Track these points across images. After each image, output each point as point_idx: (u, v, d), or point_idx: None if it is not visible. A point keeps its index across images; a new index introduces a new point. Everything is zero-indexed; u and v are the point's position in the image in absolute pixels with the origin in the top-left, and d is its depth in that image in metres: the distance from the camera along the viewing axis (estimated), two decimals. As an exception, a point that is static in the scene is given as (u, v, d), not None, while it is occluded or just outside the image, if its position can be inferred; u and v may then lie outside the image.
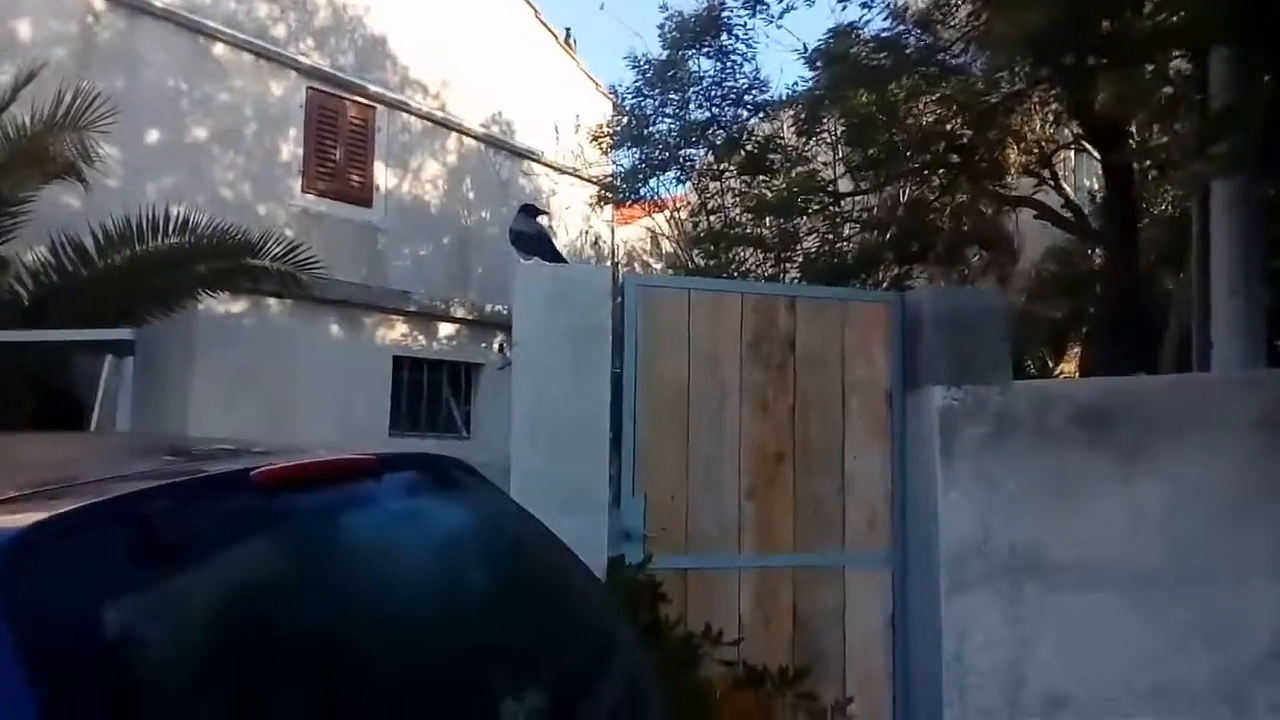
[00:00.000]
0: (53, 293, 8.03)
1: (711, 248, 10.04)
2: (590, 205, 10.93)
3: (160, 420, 8.84)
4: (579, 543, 4.19)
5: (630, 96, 10.50)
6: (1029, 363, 13.15)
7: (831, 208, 9.75)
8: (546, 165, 13.63)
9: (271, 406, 9.24)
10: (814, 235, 9.78)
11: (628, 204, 10.64)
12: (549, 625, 2.61)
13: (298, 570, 1.97)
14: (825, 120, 9.66)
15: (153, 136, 10.51)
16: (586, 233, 13.90)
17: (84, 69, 9.97)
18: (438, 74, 13.15)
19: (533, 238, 4.72)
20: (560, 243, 14.53)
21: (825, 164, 10.20)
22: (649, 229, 11.84)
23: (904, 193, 11.03)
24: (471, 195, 13.60)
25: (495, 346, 9.53)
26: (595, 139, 10.56)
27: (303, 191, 11.71)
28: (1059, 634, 4.83)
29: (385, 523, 2.29)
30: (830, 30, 8.47)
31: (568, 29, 14.91)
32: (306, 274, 9.00)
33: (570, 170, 12.92)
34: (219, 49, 11.05)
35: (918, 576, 4.95)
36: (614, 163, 10.83)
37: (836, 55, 8.14)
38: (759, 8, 9.12)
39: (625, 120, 10.36)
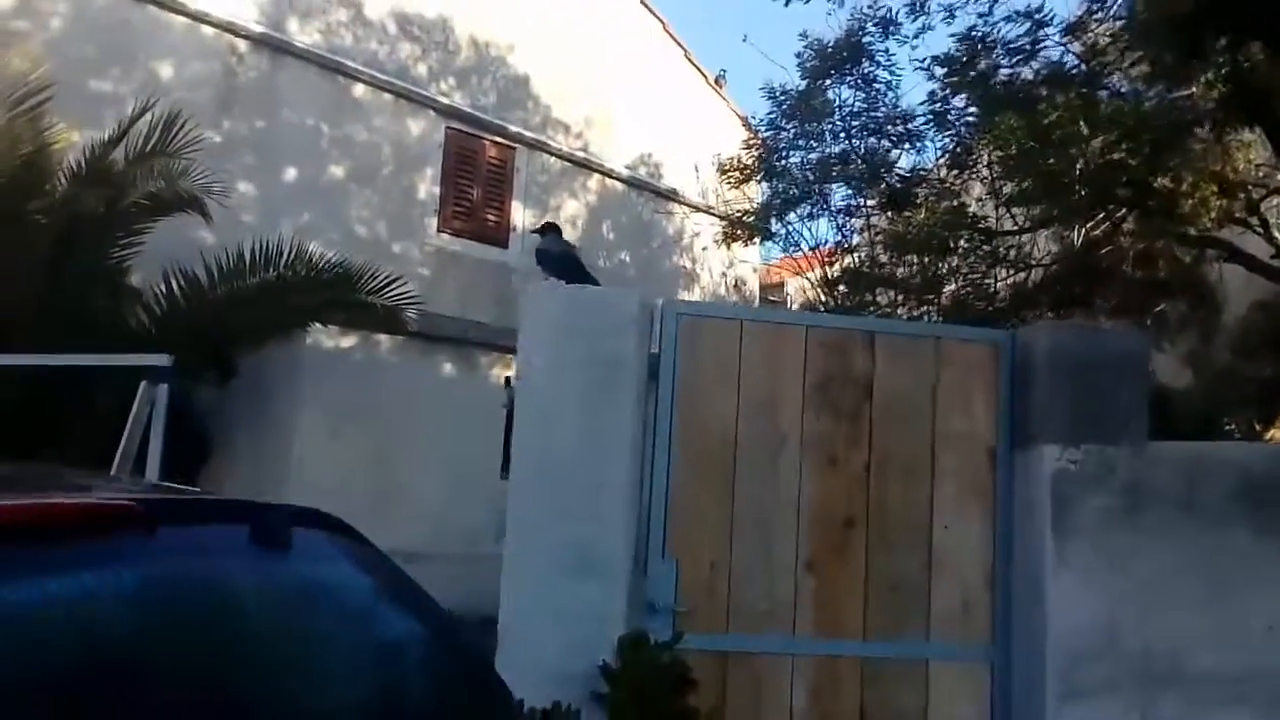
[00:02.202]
0: (166, 321, 8.05)
1: (846, 289, 9.24)
2: (716, 242, 10.32)
3: (265, 452, 8.75)
4: (587, 615, 3.57)
5: (765, 129, 9.88)
6: (1231, 426, 11.61)
7: (984, 246, 8.76)
8: (688, 205, 13.11)
9: (379, 444, 9.01)
10: (960, 276, 8.81)
11: (754, 240, 9.97)
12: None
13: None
14: (976, 151, 8.74)
15: (290, 175, 10.63)
16: (726, 274, 13.27)
17: (225, 110, 10.23)
18: (580, 114, 12.92)
19: (558, 257, 4.14)
20: (701, 285, 14.07)
21: (980, 199, 9.22)
22: (820, 278, 11.02)
23: (1080, 233, 9.87)
24: (611, 236, 13.24)
25: (502, 381, 8.98)
26: (724, 173, 9.97)
27: (438, 231, 11.62)
28: (1208, 765, 3.79)
29: (140, 594, 1.72)
30: (958, 35, 7.59)
31: (722, 70, 14.46)
32: (415, 309, 8.77)
33: (706, 209, 12.35)
34: (359, 89, 11.13)
35: (1025, 676, 4.01)
36: (751, 199, 10.19)
37: (963, 62, 7.25)
38: (890, 29, 8.33)
39: (757, 153, 9.72)
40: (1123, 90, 7.76)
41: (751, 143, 9.93)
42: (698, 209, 12.96)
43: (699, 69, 14.21)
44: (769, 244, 10.85)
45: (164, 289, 8.10)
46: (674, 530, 3.92)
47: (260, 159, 10.38)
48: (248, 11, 10.30)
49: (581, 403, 3.72)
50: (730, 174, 9.82)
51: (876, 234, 9.50)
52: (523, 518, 3.67)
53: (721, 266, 12.61)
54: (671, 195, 13.57)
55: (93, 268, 7.45)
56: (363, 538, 2.20)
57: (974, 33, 7.84)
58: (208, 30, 10.09)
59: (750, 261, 13.40)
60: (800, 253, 10.30)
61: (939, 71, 8.32)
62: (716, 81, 14.33)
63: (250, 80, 10.42)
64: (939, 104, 8.56)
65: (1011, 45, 7.72)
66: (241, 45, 10.33)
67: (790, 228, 9.94)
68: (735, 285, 12.78)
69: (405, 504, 8.67)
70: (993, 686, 4.07)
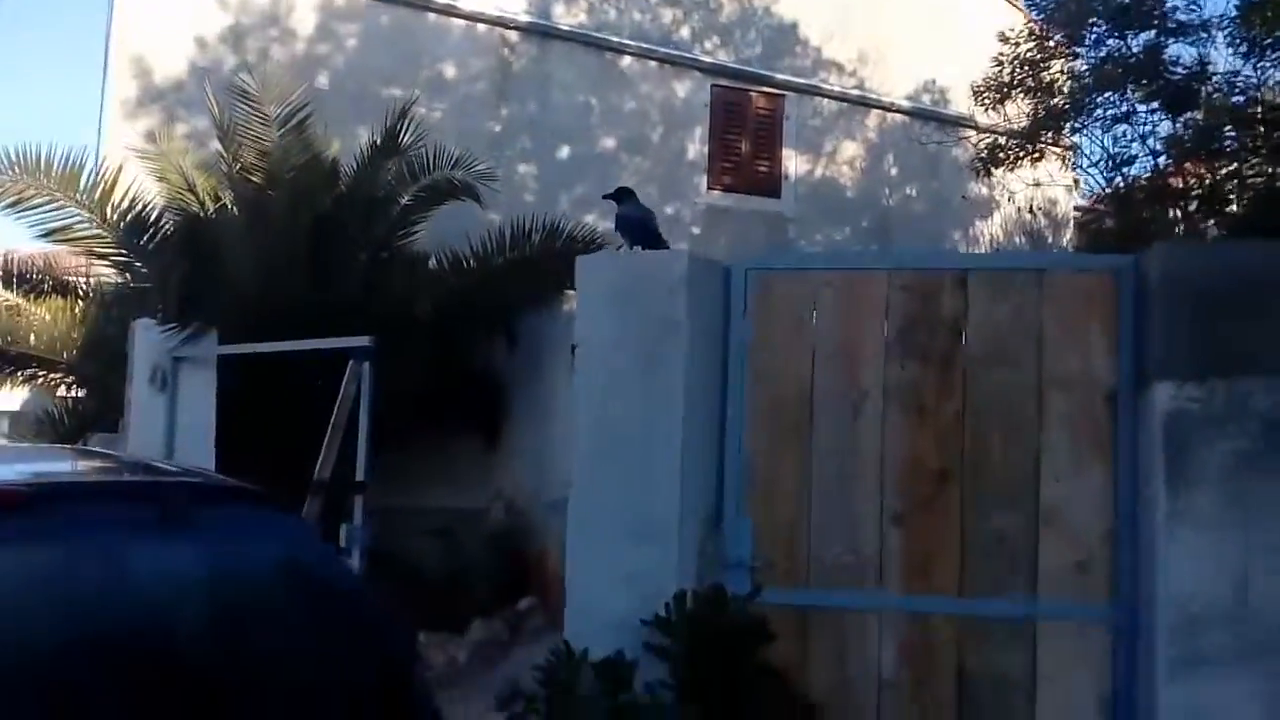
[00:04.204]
0: (442, 294, 8.92)
1: (1118, 208, 8.26)
2: (975, 170, 9.59)
3: (540, 413, 9.47)
4: (644, 572, 3.72)
5: (1025, 40, 9.04)
6: None
7: (1280, 147, 7.49)
8: (978, 129, 12.24)
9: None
10: (1249, 184, 7.56)
11: (1020, 162, 9.14)
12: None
13: None
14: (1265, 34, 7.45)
15: (564, 152, 11.32)
16: (1032, 202, 12.25)
17: (502, 99, 11.10)
18: (854, 51, 12.53)
19: (632, 222, 4.23)
20: (1002, 215, 13.07)
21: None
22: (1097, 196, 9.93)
23: None
24: (894, 172, 12.75)
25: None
26: (978, 94, 9.23)
27: (709, 188, 11.85)
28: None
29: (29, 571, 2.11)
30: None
31: (1017, -26, 13.30)
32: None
33: (997, 131, 11.49)
34: (625, 61, 11.57)
35: (1148, 641, 3.59)
36: (1026, 115, 9.37)
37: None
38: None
39: (1012, 66, 8.92)
40: None
41: (1004, 56, 9.11)
42: (990, 132, 12.11)
43: (989, -19, 13.18)
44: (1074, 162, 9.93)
45: (438, 268, 9.01)
46: (750, 488, 3.92)
47: (536, 140, 11.16)
48: (516, 4, 11.05)
49: (634, 367, 3.81)
50: (985, 95, 9.12)
51: (1159, 141, 8.42)
52: (584, 480, 3.85)
53: (1024, 190, 11.63)
54: (962, 121, 12.74)
55: (376, 256, 8.45)
56: (283, 506, 2.52)
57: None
58: (481, 28, 10.97)
59: (1055, 182, 12.24)
60: (1081, 169, 9.34)
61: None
62: (1011, -10, 13.21)
63: (523, 68, 11.19)
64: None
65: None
66: (513, 36, 11.12)
67: (1064, 142, 9.03)
68: (1031, 210, 11.79)
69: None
70: (1115, 651, 3.68)
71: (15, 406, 13.80)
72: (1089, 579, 3.72)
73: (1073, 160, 9.48)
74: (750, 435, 3.93)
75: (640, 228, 4.34)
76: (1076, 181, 11.80)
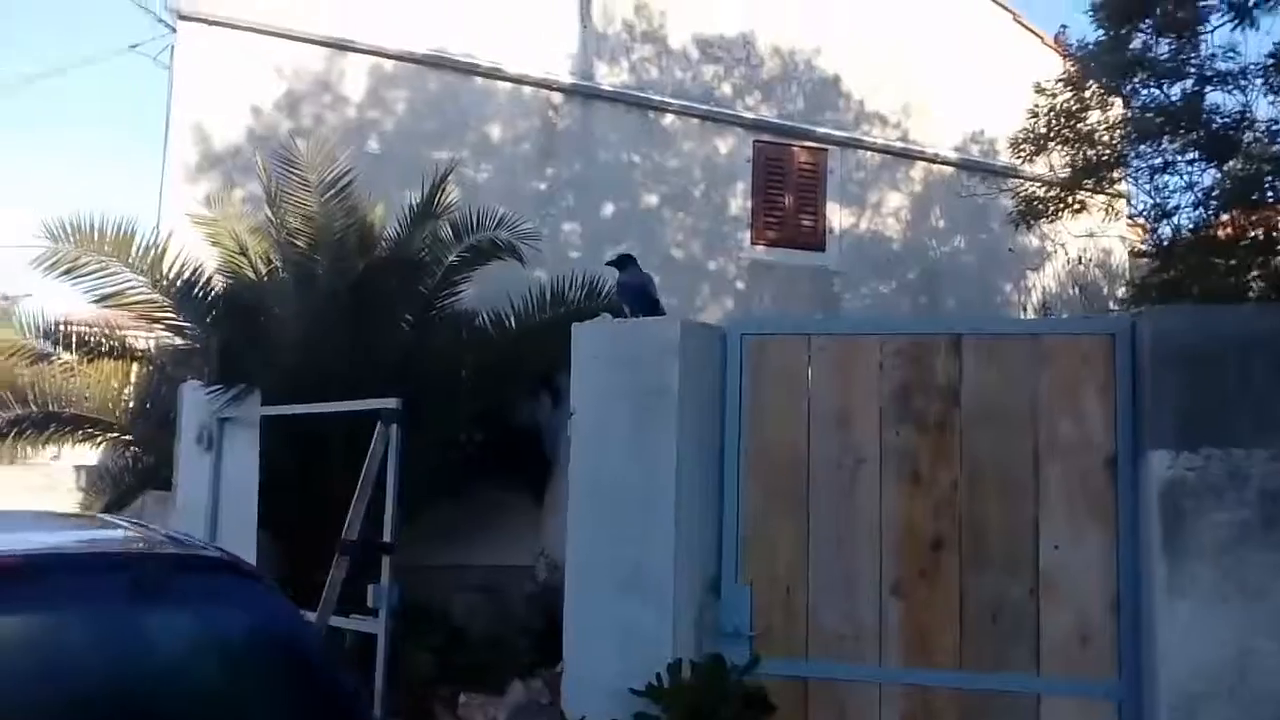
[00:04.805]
0: (486, 352, 9.05)
1: (1159, 262, 8.10)
2: (1014, 222, 9.50)
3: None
4: (640, 636, 3.74)
5: (1062, 90, 8.98)
6: None
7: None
8: (1027, 179, 12.14)
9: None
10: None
11: (1060, 214, 9.06)
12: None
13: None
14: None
15: (608, 209, 11.47)
16: (1084, 253, 12.06)
17: (547, 158, 11.32)
18: (897, 103, 12.53)
19: (632, 289, 4.30)
20: (1057, 265, 12.88)
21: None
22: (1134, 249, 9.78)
23: None
24: (941, 224, 12.67)
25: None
26: (1014, 146, 9.17)
27: (753, 243, 11.89)
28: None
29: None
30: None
31: (1063, 26, 13.29)
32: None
33: (1038, 179, 11.38)
34: (667, 118, 11.73)
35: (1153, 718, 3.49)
36: (1065, 166, 9.27)
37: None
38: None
39: (1048, 117, 8.86)
40: None
41: (1039, 109, 9.06)
42: (1033, 180, 12.00)
43: (1033, 31, 13.15)
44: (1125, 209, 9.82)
45: (483, 326, 9.16)
46: (747, 554, 3.92)
47: (581, 199, 11.32)
48: (560, 65, 11.29)
49: (627, 430, 3.86)
50: (1023, 147, 9.06)
51: (1201, 192, 8.24)
52: (579, 542, 3.90)
53: (1074, 241, 11.46)
54: (1009, 172, 12.65)
55: (422, 315, 8.63)
56: (257, 575, 2.61)
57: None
58: (527, 90, 11.20)
59: (1107, 233, 12.03)
60: (1128, 220, 9.20)
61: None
62: (1056, 40, 13.15)
63: (567, 128, 11.39)
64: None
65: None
66: (557, 98, 11.34)
67: (1109, 191, 8.91)
68: (1082, 261, 11.60)
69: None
70: (1121, 727, 3.58)
71: (92, 461, 14.40)
72: (1092, 652, 3.64)
73: (1116, 212, 9.34)
74: (747, 500, 3.95)
75: (640, 294, 4.42)
76: (1142, 226, 11.63)
